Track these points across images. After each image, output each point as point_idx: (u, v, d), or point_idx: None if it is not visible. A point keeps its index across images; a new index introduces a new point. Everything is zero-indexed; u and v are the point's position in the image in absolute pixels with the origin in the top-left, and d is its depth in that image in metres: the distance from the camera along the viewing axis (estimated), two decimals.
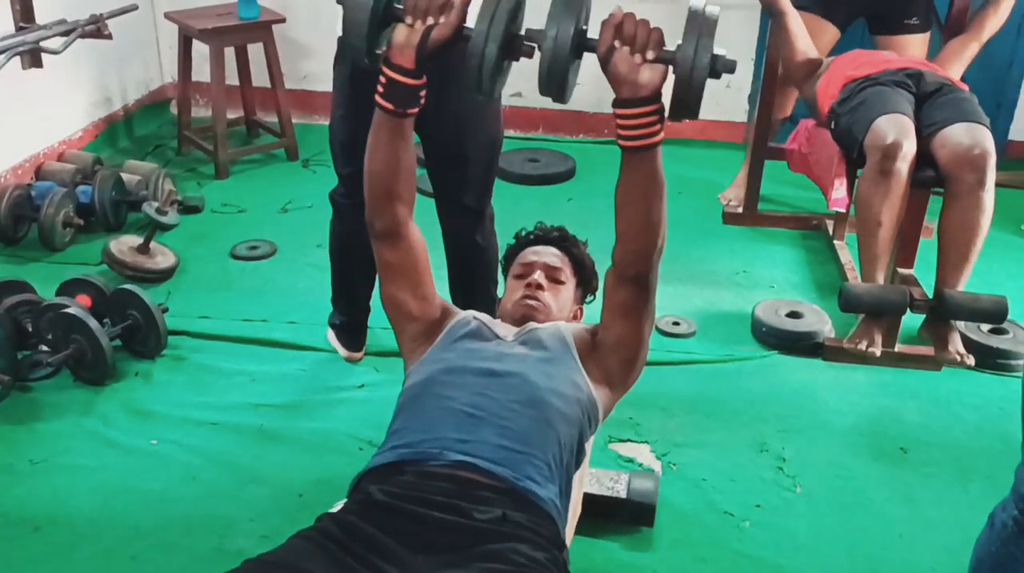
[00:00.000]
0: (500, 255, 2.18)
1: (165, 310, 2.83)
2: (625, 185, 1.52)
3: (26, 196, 3.38)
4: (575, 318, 1.93)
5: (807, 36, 3.30)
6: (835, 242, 3.54)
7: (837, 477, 2.40)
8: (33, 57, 3.58)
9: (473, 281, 2.60)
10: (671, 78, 1.41)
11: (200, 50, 4.11)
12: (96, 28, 3.62)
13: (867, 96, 2.90)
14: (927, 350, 2.85)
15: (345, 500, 1.55)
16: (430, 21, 1.49)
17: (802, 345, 2.92)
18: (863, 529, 2.22)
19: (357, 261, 2.60)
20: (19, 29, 3.50)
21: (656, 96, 1.41)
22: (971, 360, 2.74)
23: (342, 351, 2.81)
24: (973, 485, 2.37)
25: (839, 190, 2.98)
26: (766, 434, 2.54)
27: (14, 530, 2.13)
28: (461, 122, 2.35)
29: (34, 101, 3.76)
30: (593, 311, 1.86)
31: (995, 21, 3.27)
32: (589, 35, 1.46)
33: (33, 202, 3.37)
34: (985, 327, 2.93)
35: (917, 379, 2.81)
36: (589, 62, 1.47)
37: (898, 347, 2.85)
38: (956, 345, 2.76)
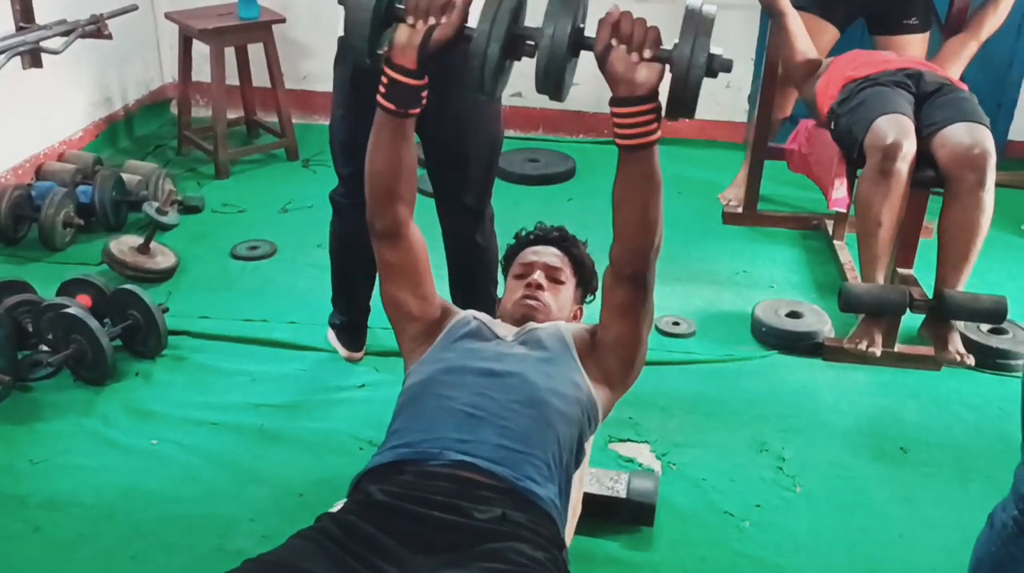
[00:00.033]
0: (500, 255, 2.19)
1: (165, 310, 2.84)
2: (622, 183, 1.52)
3: (26, 196, 3.38)
4: (575, 318, 1.93)
5: (807, 36, 3.30)
6: (835, 242, 3.54)
7: (837, 477, 2.40)
8: (33, 57, 3.58)
9: (473, 281, 2.61)
10: (668, 77, 1.41)
11: (200, 50, 4.11)
12: (96, 28, 3.62)
13: (867, 96, 2.90)
14: (927, 350, 2.85)
15: (345, 500, 1.55)
16: (432, 21, 1.49)
17: (802, 345, 2.92)
18: (863, 529, 2.22)
19: (357, 261, 2.60)
20: (19, 29, 3.50)
21: (653, 95, 1.42)
22: (971, 360, 2.74)
23: (342, 351, 2.81)
24: (973, 485, 2.37)
25: (839, 190, 2.98)
26: (766, 434, 2.54)
27: (14, 530, 2.13)
28: (462, 122, 2.35)
29: (34, 101, 3.76)
30: (593, 311, 1.86)
31: (994, 20, 3.27)
32: (586, 34, 1.46)
33: (33, 202, 3.37)
34: (985, 327, 2.93)
35: (917, 379, 2.81)
36: (589, 62, 1.47)
37: (898, 347, 2.85)
38: (956, 345, 2.76)
